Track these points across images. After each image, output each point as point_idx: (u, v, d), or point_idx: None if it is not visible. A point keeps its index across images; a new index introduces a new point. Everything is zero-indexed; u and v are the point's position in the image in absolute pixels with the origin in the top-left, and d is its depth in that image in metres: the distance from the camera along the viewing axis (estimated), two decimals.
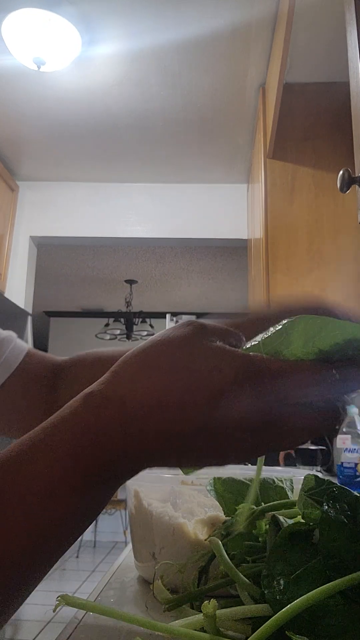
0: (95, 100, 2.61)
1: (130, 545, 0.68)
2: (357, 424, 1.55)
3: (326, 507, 0.35)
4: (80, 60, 2.30)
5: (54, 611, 0.39)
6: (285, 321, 0.31)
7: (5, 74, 2.40)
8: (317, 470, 1.82)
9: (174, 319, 3.65)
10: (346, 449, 1.51)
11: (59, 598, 0.38)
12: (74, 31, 2.09)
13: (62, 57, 2.20)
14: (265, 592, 0.33)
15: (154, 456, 0.31)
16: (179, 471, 0.78)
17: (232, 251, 4.24)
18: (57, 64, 2.23)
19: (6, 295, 3.20)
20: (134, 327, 5.46)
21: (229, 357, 0.30)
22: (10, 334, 0.63)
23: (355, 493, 0.37)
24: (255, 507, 0.46)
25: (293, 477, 0.53)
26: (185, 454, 0.31)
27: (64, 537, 0.30)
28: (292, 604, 0.31)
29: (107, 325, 5.55)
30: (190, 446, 0.30)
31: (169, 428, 0.29)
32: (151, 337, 0.34)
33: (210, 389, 0.29)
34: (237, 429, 0.29)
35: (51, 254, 4.42)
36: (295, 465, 2.35)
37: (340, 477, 1.48)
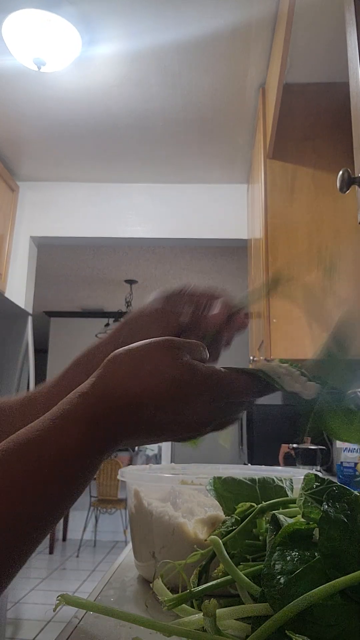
0: (95, 100, 2.61)
1: (130, 545, 0.68)
2: None
3: (326, 506, 0.36)
4: (80, 60, 2.30)
5: (54, 611, 0.39)
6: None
7: (5, 74, 2.40)
8: (317, 470, 1.82)
9: None
10: (346, 448, 1.51)
11: (59, 597, 0.38)
12: (74, 31, 2.09)
13: (62, 57, 2.20)
14: (265, 591, 0.33)
15: (129, 438, 0.40)
16: (179, 471, 0.78)
17: (232, 251, 4.24)
18: (57, 65, 2.23)
19: (6, 295, 3.20)
20: None
21: (194, 370, 0.40)
22: None
23: (355, 492, 0.37)
24: (255, 505, 0.46)
25: (293, 476, 0.53)
26: (155, 435, 0.41)
27: (69, 492, 0.38)
28: (291, 603, 0.31)
29: (107, 325, 5.56)
30: (161, 431, 0.40)
31: (144, 419, 0.39)
32: (130, 346, 0.42)
33: (178, 393, 0.39)
34: (195, 421, 0.40)
35: (51, 254, 4.42)
36: (295, 465, 2.35)
37: (340, 476, 1.48)
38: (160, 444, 5.51)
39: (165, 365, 0.40)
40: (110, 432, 0.39)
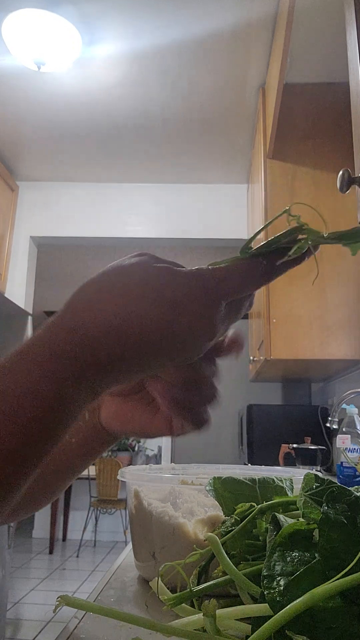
0: (95, 100, 2.61)
1: (130, 545, 0.68)
2: (357, 423, 1.55)
3: (326, 507, 0.35)
4: (80, 60, 2.30)
5: (54, 611, 0.39)
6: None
7: (5, 74, 2.40)
8: (317, 470, 1.82)
9: None
10: (346, 448, 1.51)
11: (59, 598, 0.38)
12: (74, 31, 2.09)
13: (62, 57, 2.20)
14: (265, 592, 0.33)
15: (119, 371, 0.33)
16: (179, 471, 0.78)
17: (232, 251, 4.22)
18: (57, 65, 2.23)
19: (6, 295, 3.20)
20: None
21: (179, 274, 0.33)
22: None
23: (355, 493, 0.37)
24: (255, 506, 0.46)
25: (293, 476, 0.53)
26: (150, 362, 0.33)
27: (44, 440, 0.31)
28: (291, 604, 0.31)
29: None
30: (155, 353, 0.32)
31: (131, 343, 0.32)
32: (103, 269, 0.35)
33: (167, 304, 0.32)
34: (195, 332, 0.33)
35: (51, 254, 4.42)
36: (295, 465, 2.35)
37: (340, 476, 1.48)
38: (160, 444, 5.51)
39: (144, 274, 0.33)
40: (82, 369, 0.31)
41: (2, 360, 0.32)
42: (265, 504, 0.46)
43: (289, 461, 2.45)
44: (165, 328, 0.32)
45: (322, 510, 0.35)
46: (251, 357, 3.00)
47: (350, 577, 0.31)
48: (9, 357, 0.32)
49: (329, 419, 1.99)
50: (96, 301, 0.32)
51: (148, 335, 0.32)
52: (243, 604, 0.38)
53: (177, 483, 0.62)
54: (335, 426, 1.94)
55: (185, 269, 0.34)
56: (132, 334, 0.31)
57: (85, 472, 5.24)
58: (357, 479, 1.43)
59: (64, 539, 5.55)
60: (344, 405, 1.64)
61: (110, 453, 5.37)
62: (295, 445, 2.40)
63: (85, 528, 5.37)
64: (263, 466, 0.76)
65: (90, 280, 0.34)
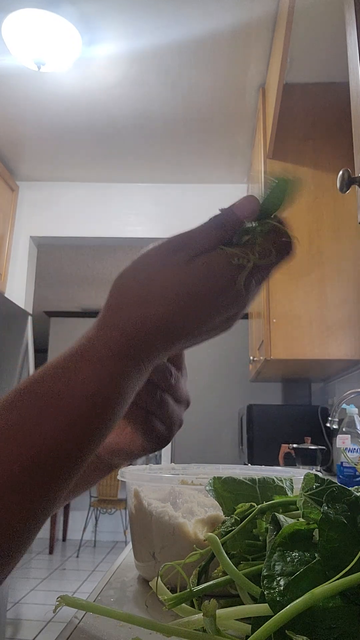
0: (95, 100, 2.61)
1: (130, 545, 0.68)
2: (357, 424, 1.55)
3: (326, 507, 0.35)
4: (80, 60, 2.30)
5: (54, 611, 0.39)
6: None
7: (5, 74, 2.40)
8: (317, 470, 1.82)
9: None
10: (346, 448, 1.51)
11: (59, 598, 0.38)
12: (74, 31, 2.09)
13: (62, 57, 2.20)
14: (265, 592, 0.33)
15: (159, 358, 0.38)
16: (179, 471, 0.78)
17: None
18: (57, 65, 2.23)
19: (6, 295, 3.20)
20: None
21: (209, 270, 0.37)
22: None
23: (356, 493, 0.37)
24: (255, 506, 0.46)
25: (293, 476, 0.53)
26: (184, 345, 0.39)
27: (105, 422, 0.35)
28: (291, 604, 0.31)
29: None
30: (188, 339, 0.38)
31: (168, 333, 0.36)
32: (132, 266, 0.38)
33: (201, 302, 0.37)
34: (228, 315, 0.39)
35: (51, 254, 4.42)
36: (295, 465, 2.35)
37: (340, 476, 1.48)
38: None
39: (175, 278, 0.36)
40: (136, 363, 0.35)
41: (54, 361, 0.35)
42: (265, 504, 0.46)
43: (289, 461, 2.45)
44: (198, 320, 0.37)
45: (322, 510, 0.35)
46: (251, 357, 3.00)
47: (350, 577, 0.31)
48: (61, 359, 0.35)
49: (329, 419, 1.99)
50: (140, 302, 0.36)
51: (181, 326, 0.36)
52: (243, 604, 0.38)
53: (177, 483, 0.62)
54: (335, 426, 1.94)
55: (216, 265, 0.38)
56: (169, 327, 0.36)
57: None
58: (357, 479, 1.43)
59: (64, 539, 5.56)
60: (344, 405, 1.64)
61: None
62: (295, 445, 2.40)
63: (85, 528, 5.37)
64: (263, 466, 0.76)
65: (127, 280, 0.38)
